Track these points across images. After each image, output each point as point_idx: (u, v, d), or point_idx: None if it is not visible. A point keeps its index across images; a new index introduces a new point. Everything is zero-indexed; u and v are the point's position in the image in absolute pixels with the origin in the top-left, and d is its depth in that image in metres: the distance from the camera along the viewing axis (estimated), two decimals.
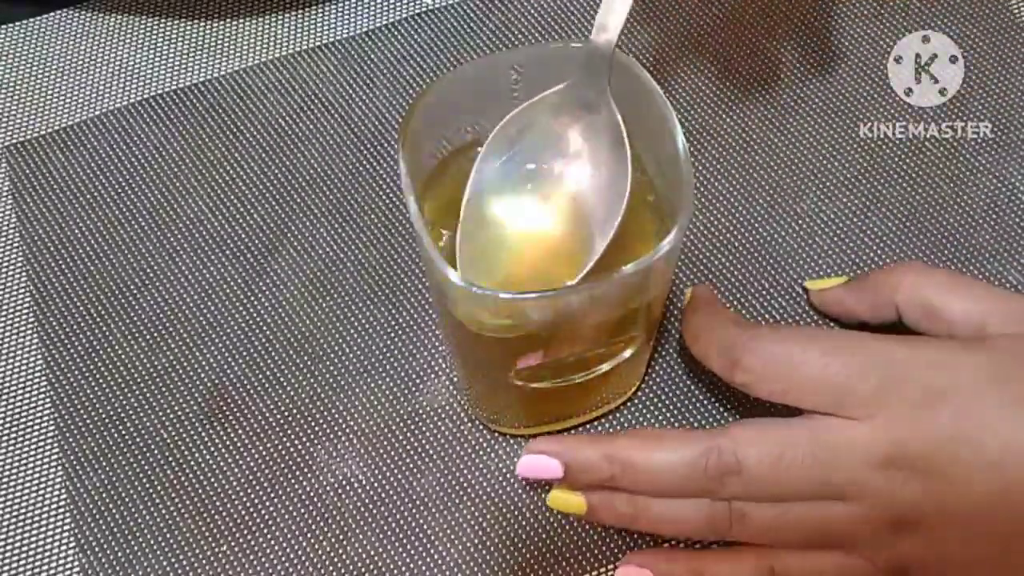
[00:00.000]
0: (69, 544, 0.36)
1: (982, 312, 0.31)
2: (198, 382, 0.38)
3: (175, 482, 0.36)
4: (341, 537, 0.35)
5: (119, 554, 0.35)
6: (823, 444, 0.29)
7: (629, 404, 0.37)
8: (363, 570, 0.35)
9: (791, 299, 0.39)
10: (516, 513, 0.35)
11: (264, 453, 0.37)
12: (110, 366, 0.38)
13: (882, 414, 0.28)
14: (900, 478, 0.28)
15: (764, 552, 0.31)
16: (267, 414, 0.37)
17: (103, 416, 0.38)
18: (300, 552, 0.35)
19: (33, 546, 0.36)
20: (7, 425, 0.38)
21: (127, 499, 0.36)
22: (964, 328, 0.31)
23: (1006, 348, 0.29)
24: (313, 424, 0.37)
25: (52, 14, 0.47)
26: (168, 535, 0.35)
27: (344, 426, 0.37)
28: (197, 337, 0.39)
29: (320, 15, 0.46)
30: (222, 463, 0.37)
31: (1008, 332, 0.30)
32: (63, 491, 0.36)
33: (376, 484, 0.36)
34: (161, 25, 0.46)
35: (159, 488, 0.36)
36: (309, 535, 0.35)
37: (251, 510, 0.36)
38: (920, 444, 0.28)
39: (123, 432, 0.37)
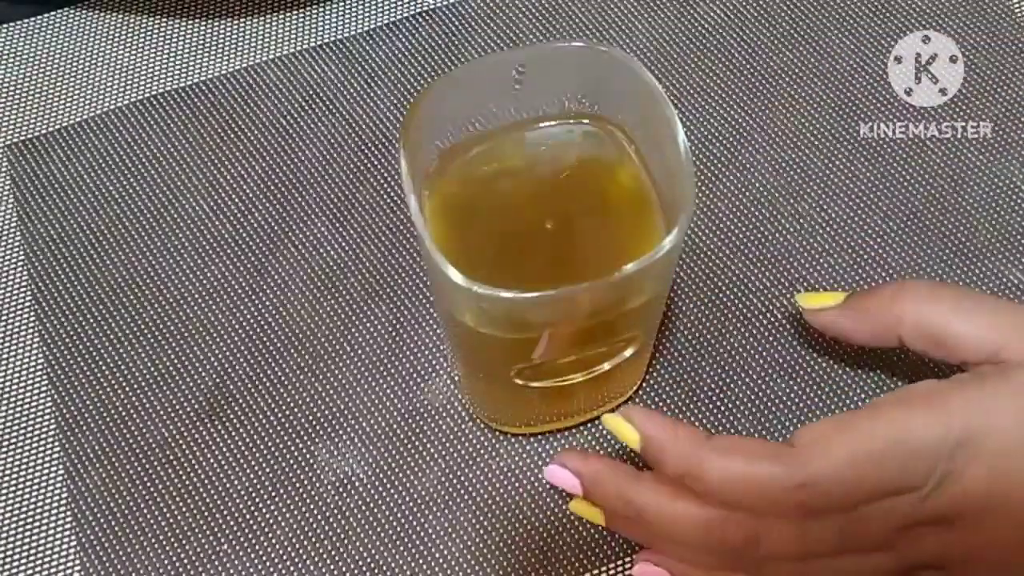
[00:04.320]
0: (70, 543, 0.36)
1: (995, 338, 0.29)
2: (199, 381, 0.38)
3: (176, 481, 0.36)
4: (342, 536, 0.35)
5: (120, 553, 0.35)
6: (851, 515, 0.28)
7: (629, 404, 0.37)
8: (363, 569, 0.35)
9: (791, 298, 0.39)
10: (516, 512, 0.35)
11: (265, 452, 0.37)
12: (111, 365, 0.38)
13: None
14: (924, 532, 0.28)
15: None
16: (268, 413, 0.37)
17: (104, 415, 0.38)
18: (301, 551, 0.35)
19: (34, 545, 0.36)
20: (8, 424, 0.38)
21: (128, 498, 0.36)
22: (977, 355, 0.30)
23: None
24: (314, 423, 0.37)
25: (52, 14, 0.47)
26: (169, 534, 0.35)
27: (345, 425, 0.37)
28: (198, 336, 0.39)
29: (320, 15, 0.46)
30: (223, 462, 0.37)
31: None
32: (64, 490, 0.36)
33: (377, 483, 0.36)
34: (161, 25, 0.46)
35: (160, 487, 0.36)
36: (310, 533, 0.35)
37: (252, 509, 0.36)
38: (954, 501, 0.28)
39: (124, 431, 0.37)
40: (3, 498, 0.37)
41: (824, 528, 0.28)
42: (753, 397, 0.37)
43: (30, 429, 0.38)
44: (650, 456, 0.30)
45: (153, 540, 0.35)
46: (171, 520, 0.36)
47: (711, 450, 0.29)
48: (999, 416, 0.28)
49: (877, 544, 0.29)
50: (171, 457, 0.37)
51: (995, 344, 0.29)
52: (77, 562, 0.35)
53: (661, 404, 0.37)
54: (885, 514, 0.28)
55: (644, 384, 0.37)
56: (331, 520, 0.36)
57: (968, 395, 0.28)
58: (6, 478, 0.37)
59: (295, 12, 0.46)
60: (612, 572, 0.34)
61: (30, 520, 0.36)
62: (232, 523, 0.36)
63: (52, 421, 0.38)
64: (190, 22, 0.46)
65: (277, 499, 0.36)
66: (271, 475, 0.36)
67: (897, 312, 0.31)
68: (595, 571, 0.34)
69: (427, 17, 0.46)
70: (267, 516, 0.36)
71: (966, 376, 0.29)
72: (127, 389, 0.38)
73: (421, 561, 0.35)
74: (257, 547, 0.35)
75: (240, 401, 0.38)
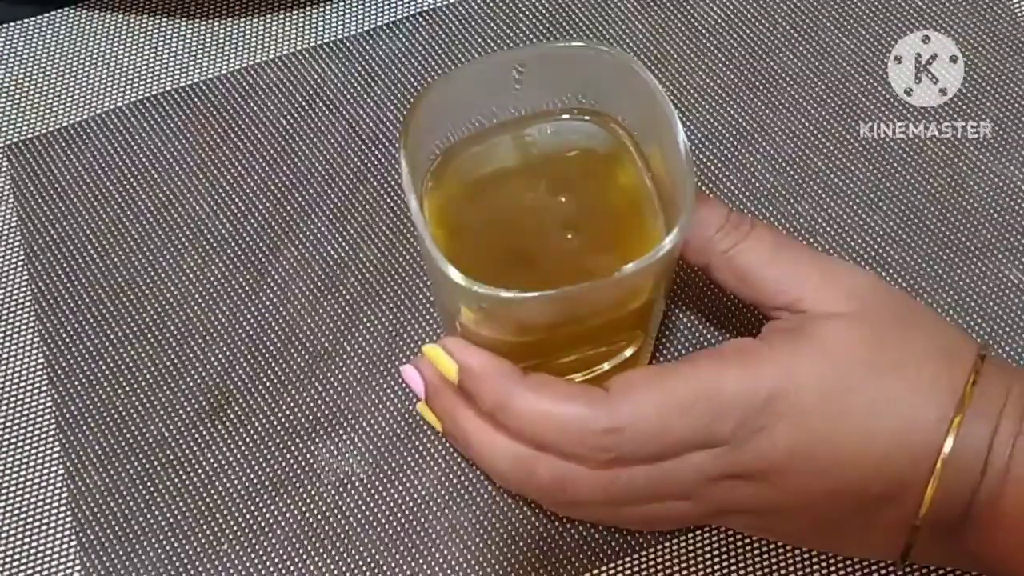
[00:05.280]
0: (71, 543, 0.36)
1: (798, 292, 0.29)
2: (199, 381, 0.38)
3: (177, 481, 0.36)
4: (342, 536, 0.35)
5: (120, 553, 0.35)
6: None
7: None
8: (363, 569, 0.35)
9: None
10: (516, 512, 0.35)
11: (265, 452, 0.37)
12: (111, 365, 0.38)
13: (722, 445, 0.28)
14: (732, 485, 0.29)
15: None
16: (268, 413, 0.37)
17: (104, 415, 0.38)
18: (301, 551, 0.35)
19: (34, 546, 0.36)
20: (8, 424, 0.38)
21: (128, 498, 0.36)
22: (775, 301, 0.30)
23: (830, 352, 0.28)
24: (314, 423, 0.37)
25: (52, 13, 0.47)
26: (170, 534, 0.35)
27: (345, 425, 0.37)
28: (198, 336, 0.39)
29: (320, 15, 0.46)
30: (223, 462, 0.37)
31: (824, 312, 0.29)
32: (64, 490, 0.36)
33: (377, 483, 0.36)
34: (161, 25, 0.46)
35: (161, 487, 0.36)
36: (310, 534, 0.35)
37: (252, 509, 0.36)
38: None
39: (125, 431, 0.37)
40: (3, 498, 0.37)
41: (631, 478, 0.28)
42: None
43: (30, 429, 0.38)
44: (467, 387, 0.29)
45: (153, 540, 0.35)
46: (171, 520, 0.36)
47: (524, 386, 0.28)
48: (803, 376, 0.28)
49: (686, 494, 0.29)
50: (171, 457, 0.37)
51: (793, 295, 0.29)
52: (77, 562, 0.35)
53: None
54: (693, 468, 0.28)
55: None
56: (331, 520, 0.36)
57: (778, 354, 0.28)
58: (6, 478, 0.37)
59: (295, 12, 0.46)
60: (612, 572, 0.34)
61: (30, 520, 0.36)
62: (232, 523, 0.36)
63: (52, 421, 0.38)
64: (190, 22, 0.46)
65: (277, 499, 0.36)
66: (271, 475, 0.36)
67: (717, 237, 0.30)
68: (595, 571, 0.34)
69: (427, 17, 0.46)
70: (267, 516, 0.36)
71: (777, 333, 0.29)
72: (127, 389, 0.38)
73: (421, 561, 0.35)
74: (257, 547, 0.35)
75: (240, 401, 0.38)
